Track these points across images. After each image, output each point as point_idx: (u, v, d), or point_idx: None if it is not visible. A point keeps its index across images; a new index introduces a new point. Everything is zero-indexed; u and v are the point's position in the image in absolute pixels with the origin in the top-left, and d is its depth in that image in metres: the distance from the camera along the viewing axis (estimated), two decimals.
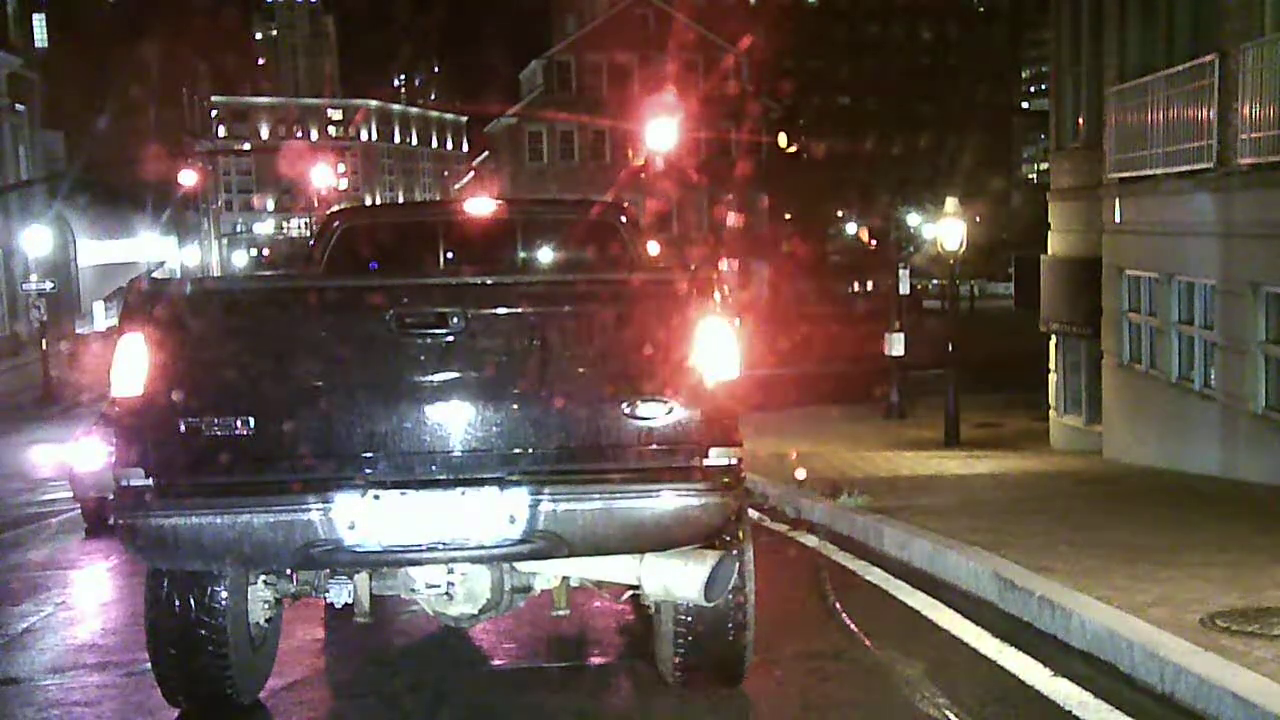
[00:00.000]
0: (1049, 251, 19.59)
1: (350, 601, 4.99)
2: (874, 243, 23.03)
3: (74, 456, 12.00)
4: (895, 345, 19.47)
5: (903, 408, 19.81)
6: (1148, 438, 15.22)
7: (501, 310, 4.35)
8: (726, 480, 4.39)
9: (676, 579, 4.58)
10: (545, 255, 7.20)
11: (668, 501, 4.31)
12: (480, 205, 7.59)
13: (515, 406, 4.31)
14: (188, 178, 43.21)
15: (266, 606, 5.12)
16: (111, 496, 4.47)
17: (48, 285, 31.78)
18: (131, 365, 4.27)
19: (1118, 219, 15.79)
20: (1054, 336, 19.23)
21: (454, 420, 4.31)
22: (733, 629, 4.91)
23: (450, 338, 4.29)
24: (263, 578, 5.03)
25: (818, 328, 41.97)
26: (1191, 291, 14.07)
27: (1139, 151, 14.67)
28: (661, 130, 28.46)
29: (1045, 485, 12.88)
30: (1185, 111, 13.41)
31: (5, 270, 36.71)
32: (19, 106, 38.22)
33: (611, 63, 57.67)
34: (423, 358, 4.29)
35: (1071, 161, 18.84)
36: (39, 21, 46.37)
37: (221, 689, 4.94)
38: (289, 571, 4.97)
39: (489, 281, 4.45)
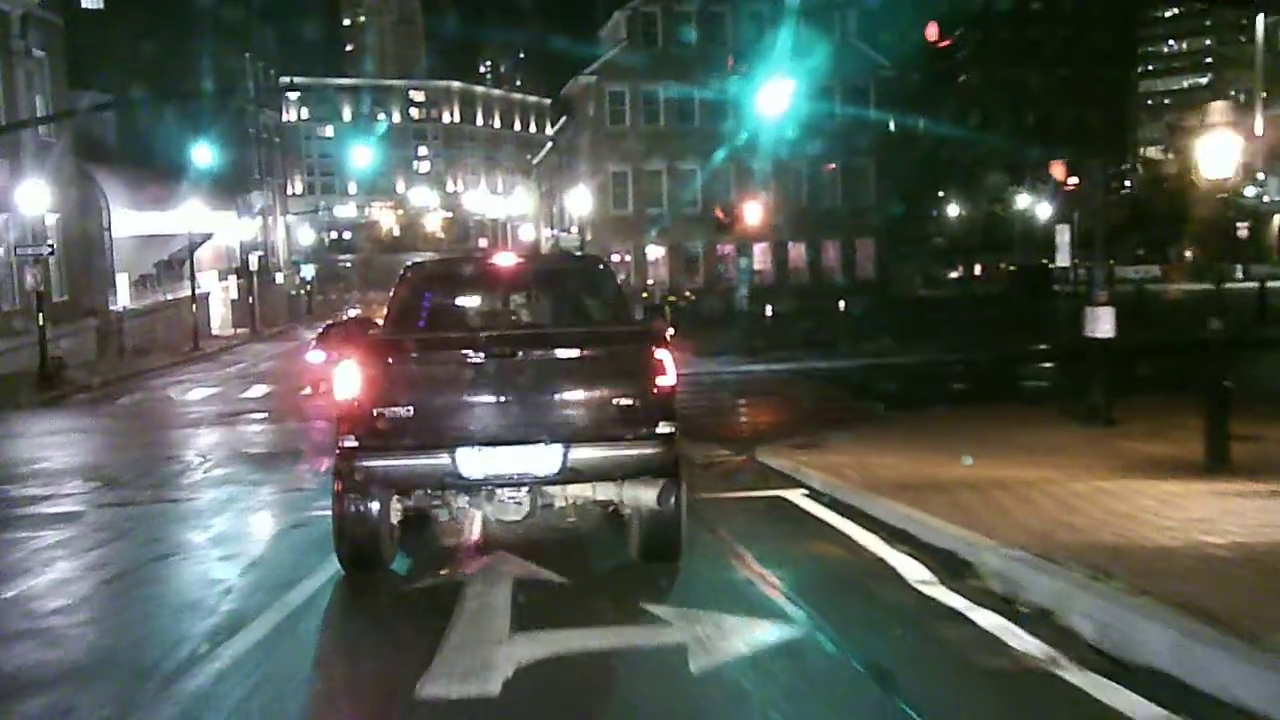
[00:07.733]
0: None
1: (453, 510, 8.64)
2: (1074, 180, 18.12)
3: (309, 356, 20.20)
4: (1102, 322, 13.95)
5: (1110, 410, 14.32)
6: None
7: (544, 348, 8.00)
8: (668, 441, 7.86)
9: (641, 495, 8.01)
10: (551, 295, 10.46)
11: (637, 450, 7.81)
12: (509, 258, 10.68)
13: (554, 400, 7.84)
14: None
15: (399, 514, 8.58)
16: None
17: (45, 249, 27.40)
18: (347, 378, 7.75)
19: None
20: None
21: (521, 408, 7.83)
22: (673, 524, 8.22)
23: (518, 362, 7.85)
24: (395, 498, 8.40)
25: (940, 312, 36.48)
26: None
27: None
28: (773, 96, 23.43)
29: None
30: None
31: (30, 237, 32.38)
32: (37, 52, 33.85)
33: (703, 11, 52.04)
34: (503, 373, 7.83)
35: None
36: None
37: (374, 558, 8.46)
38: (411, 495, 8.43)
39: (538, 333, 8.71)
